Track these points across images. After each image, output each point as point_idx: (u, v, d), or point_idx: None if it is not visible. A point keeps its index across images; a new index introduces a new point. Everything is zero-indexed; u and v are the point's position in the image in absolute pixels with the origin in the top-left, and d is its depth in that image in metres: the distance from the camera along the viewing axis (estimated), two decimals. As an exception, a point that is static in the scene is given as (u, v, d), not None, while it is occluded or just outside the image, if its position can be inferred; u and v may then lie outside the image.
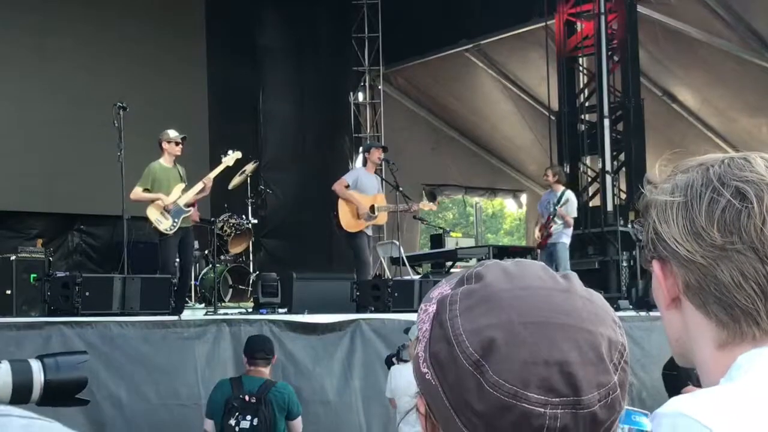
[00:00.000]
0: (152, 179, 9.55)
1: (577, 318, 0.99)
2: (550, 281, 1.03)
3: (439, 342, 1.00)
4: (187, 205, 9.63)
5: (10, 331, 7.27)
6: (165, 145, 9.68)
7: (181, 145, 9.73)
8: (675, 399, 1.08)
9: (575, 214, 11.75)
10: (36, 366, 1.92)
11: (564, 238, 11.55)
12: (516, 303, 0.99)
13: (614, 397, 0.98)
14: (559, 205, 11.47)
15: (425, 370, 1.01)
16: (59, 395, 1.95)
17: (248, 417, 6.38)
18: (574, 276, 1.05)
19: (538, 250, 11.96)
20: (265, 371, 6.69)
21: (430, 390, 1.01)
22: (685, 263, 1.11)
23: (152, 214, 9.46)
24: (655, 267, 1.15)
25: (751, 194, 1.08)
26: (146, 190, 9.51)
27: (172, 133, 9.74)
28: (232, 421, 6.38)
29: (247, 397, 6.44)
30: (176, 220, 9.49)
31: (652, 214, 1.14)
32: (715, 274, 1.09)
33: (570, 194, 11.75)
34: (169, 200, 9.46)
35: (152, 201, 9.46)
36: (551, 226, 11.50)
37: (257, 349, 6.78)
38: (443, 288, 1.05)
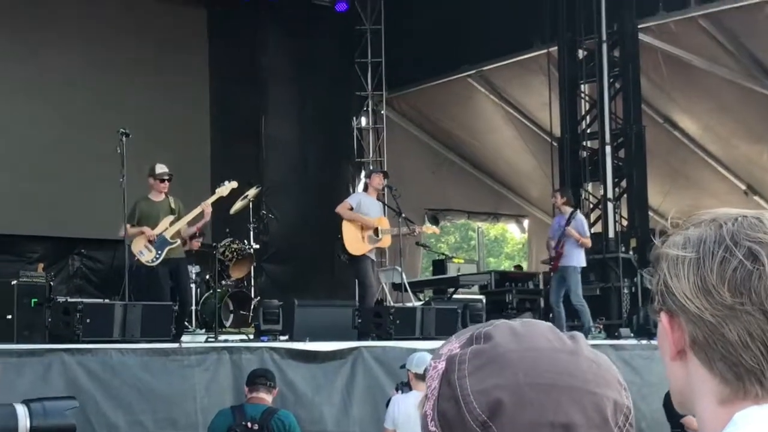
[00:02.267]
0: (138, 215, 9.49)
1: (583, 380, 1.00)
2: (557, 342, 1.03)
3: (447, 401, 1.01)
4: (174, 237, 9.54)
5: (11, 357, 7.26)
6: (150, 180, 9.60)
7: (167, 182, 9.60)
8: None
9: (588, 234, 11.49)
10: (22, 411, 1.81)
11: (575, 260, 11.22)
12: (523, 364, 1.00)
13: (619, 460, 0.98)
14: (568, 225, 11.17)
15: (433, 428, 1.02)
16: None
17: None
18: (581, 337, 1.06)
19: (550, 273, 11.68)
20: (267, 398, 6.66)
21: (438, 449, 1.01)
22: (694, 319, 1.11)
23: (136, 246, 9.39)
24: (663, 319, 1.15)
25: (763, 256, 1.08)
26: (133, 225, 9.46)
27: (159, 169, 9.60)
28: None
29: (249, 424, 6.40)
30: (160, 252, 9.39)
31: (663, 267, 1.14)
32: (722, 332, 1.09)
33: (580, 215, 11.62)
34: (152, 232, 9.36)
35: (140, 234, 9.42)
36: (563, 248, 11.22)
37: (258, 374, 6.78)
38: (452, 345, 1.06)
